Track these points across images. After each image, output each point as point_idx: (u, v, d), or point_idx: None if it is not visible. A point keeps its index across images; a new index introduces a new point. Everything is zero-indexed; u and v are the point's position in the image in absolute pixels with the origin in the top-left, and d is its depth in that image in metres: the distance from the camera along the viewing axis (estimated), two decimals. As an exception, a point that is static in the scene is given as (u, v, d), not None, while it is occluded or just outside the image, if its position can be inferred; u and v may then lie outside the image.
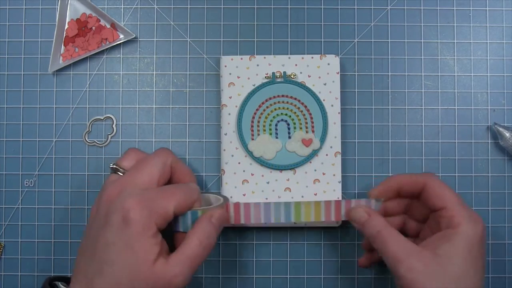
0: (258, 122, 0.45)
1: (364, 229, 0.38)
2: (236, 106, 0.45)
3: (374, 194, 0.41)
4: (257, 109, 0.45)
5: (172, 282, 0.34)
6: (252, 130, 0.45)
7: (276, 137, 0.45)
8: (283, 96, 0.45)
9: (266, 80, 0.45)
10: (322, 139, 0.44)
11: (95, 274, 0.33)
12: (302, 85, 0.45)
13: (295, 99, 0.45)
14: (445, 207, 0.38)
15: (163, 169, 0.38)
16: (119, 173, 0.38)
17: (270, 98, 0.45)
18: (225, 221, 0.39)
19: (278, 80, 0.45)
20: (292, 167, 0.44)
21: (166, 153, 0.39)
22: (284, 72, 0.45)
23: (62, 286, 0.38)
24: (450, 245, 0.35)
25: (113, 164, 0.39)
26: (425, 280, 0.34)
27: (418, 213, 0.42)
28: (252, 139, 0.44)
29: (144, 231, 0.33)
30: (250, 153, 0.44)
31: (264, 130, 0.45)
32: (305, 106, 0.45)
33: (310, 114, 0.45)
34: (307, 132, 0.45)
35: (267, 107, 0.45)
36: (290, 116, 0.45)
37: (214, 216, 0.37)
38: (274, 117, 0.45)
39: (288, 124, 0.45)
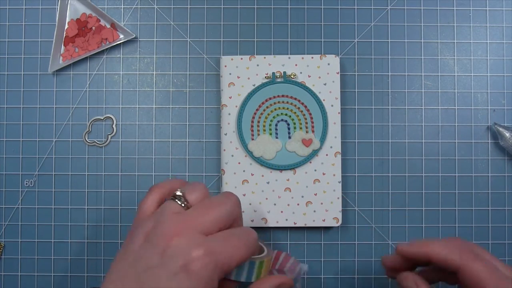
0: (258, 122, 0.45)
1: None
2: (236, 106, 0.45)
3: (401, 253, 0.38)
4: (257, 109, 0.45)
5: None
6: (252, 130, 0.45)
7: (276, 137, 0.45)
8: (283, 96, 0.45)
9: (266, 80, 0.45)
10: (322, 139, 0.44)
11: None
12: (302, 85, 0.45)
13: (295, 99, 0.45)
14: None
15: (228, 219, 0.34)
16: (179, 202, 0.34)
17: (270, 98, 0.45)
18: None
19: (278, 80, 0.45)
20: (292, 167, 0.44)
21: (236, 203, 0.35)
22: (284, 72, 0.45)
23: None
24: None
25: (180, 192, 0.35)
26: None
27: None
28: (252, 139, 0.44)
29: (204, 285, 0.31)
30: (250, 153, 0.44)
31: (264, 130, 0.45)
32: (305, 106, 0.45)
33: (310, 114, 0.45)
34: (307, 132, 0.45)
35: (267, 107, 0.45)
36: (290, 116, 0.45)
37: (282, 286, 0.35)
38: (274, 117, 0.45)
39: (288, 124, 0.45)
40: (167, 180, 0.37)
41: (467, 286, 0.35)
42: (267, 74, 0.45)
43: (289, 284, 0.35)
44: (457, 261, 0.36)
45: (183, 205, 0.34)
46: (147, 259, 0.31)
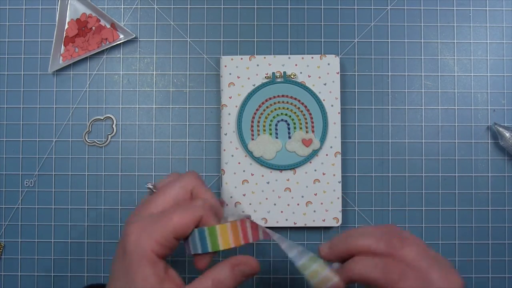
0: (258, 122, 0.45)
1: None
2: (236, 106, 0.45)
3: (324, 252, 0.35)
4: (257, 109, 0.45)
5: None
6: (252, 130, 0.45)
7: (276, 137, 0.45)
8: (283, 96, 0.45)
9: (266, 80, 0.45)
10: (322, 139, 0.44)
11: None
12: (302, 85, 0.45)
13: (295, 99, 0.45)
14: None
15: (182, 195, 0.35)
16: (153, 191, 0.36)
17: (270, 98, 0.45)
18: (253, 274, 0.34)
19: (278, 80, 0.45)
20: (292, 167, 0.44)
21: (190, 178, 0.35)
22: (284, 72, 0.45)
23: None
24: None
25: (151, 184, 0.36)
26: None
27: None
28: (252, 139, 0.44)
29: (140, 260, 0.32)
30: (250, 153, 0.44)
31: (264, 130, 0.45)
32: (305, 106, 0.45)
33: (310, 114, 0.45)
34: (307, 132, 0.45)
35: (267, 107, 0.45)
36: (290, 116, 0.45)
37: (239, 265, 0.33)
38: (274, 117, 0.45)
39: (288, 124, 0.45)
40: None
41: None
42: (267, 74, 0.45)
43: (251, 264, 0.34)
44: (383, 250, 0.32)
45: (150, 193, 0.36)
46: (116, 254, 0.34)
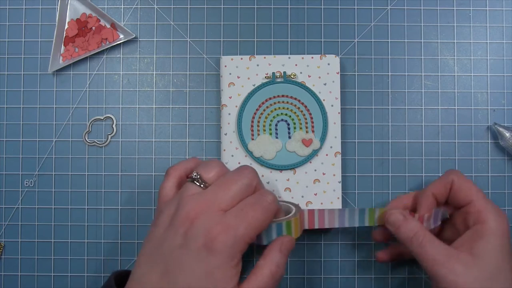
0: (258, 122, 0.45)
1: (399, 232, 0.38)
2: (236, 106, 0.45)
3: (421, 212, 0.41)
4: (257, 109, 0.45)
5: None
6: (252, 130, 0.45)
7: (276, 137, 0.45)
8: (283, 96, 0.45)
9: (266, 80, 0.45)
10: (322, 139, 0.44)
11: None
12: (302, 85, 0.45)
13: (295, 99, 0.45)
14: (471, 202, 0.38)
15: (247, 192, 0.35)
16: (197, 183, 0.35)
17: (270, 98, 0.45)
18: (292, 247, 0.37)
19: (278, 80, 0.45)
20: (292, 167, 0.44)
21: (253, 175, 0.36)
22: (284, 72, 0.45)
23: None
24: (484, 243, 0.36)
25: (196, 174, 0.36)
26: (466, 282, 0.35)
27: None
28: (252, 139, 0.44)
29: (228, 261, 0.32)
30: (250, 153, 0.44)
31: (264, 130, 0.45)
32: (305, 106, 0.45)
33: (310, 114, 0.45)
34: (307, 132, 0.45)
35: (267, 107, 0.45)
36: (290, 116, 0.45)
37: (283, 245, 0.36)
38: (274, 117, 0.45)
39: (288, 124, 0.45)
40: (183, 161, 0.39)
41: (458, 198, 0.39)
42: (267, 74, 0.45)
43: (290, 239, 0.36)
44: (449, 176, 0.40)
45: (201, 186, 0.35)
46: (171, 241, 0.33)
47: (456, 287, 0.35)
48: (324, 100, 0.45)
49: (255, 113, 0.45)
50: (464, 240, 0.37)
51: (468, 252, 0.36)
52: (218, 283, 0.32)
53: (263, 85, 0.45)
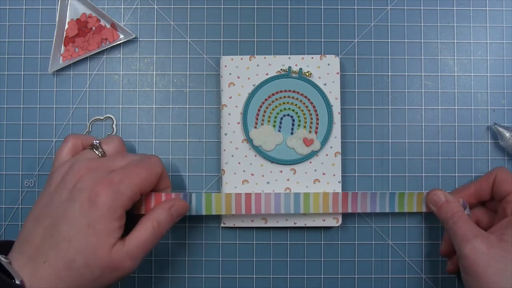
0: (264, 112, 0.45)
1: (440, 212, 0.41)
2: (236, 106, 0.45)
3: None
4: (266, 99, 0.45)
5: (125, 266, 0.35)
6: (257, 119, 0.45)
7: (279, 131, 0.45)
8: (294, 91, 0.45)
9: (278, 74, 0.45)
10: (323, 142, 0.44)
11: (49, 247, 0.33)
12: (315, 85, 0.44)
13: (305, 97, 0.45)
14: (510, 193, 0.40)
15: (135, 157, 0.38)
16: (96, 152, 0.38)
17: (281, 91, 0.45)
18: (184, 213, 0.39)
19: (293, 75, 0.45)
20: (289, 162, 0.44)
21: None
22: (300, 69, 0.45)
23: (2, 258, 0.33)
24: None
25: (97, 143, 0.39)
26: (487, 262, 0.36)
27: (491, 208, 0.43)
28: (255, 127, 0.44)
29: (109, 213, 0.34)
30: (250, 141, 0.44)
31: (269, 121, 0.45)
32: (314, 106, 0.45)
33: (317, 115, 0.45)
34: (310, 132, 0.45)
35: (276, 99, 0.45)
36: (296, 113, 0.45)
37: (174, 206, 0.38)
38: (281, 110, 0.45)
39: (293, 120, 0.45)
40: (84, 134, 0.41)
41: (499, 189, 0.41)
42: (283, 66, 0.45)
43: (182, 204, 0.39)
44: (494, 171, 0.42)
45: (99, 154, 0.38)
46: (59, 196, 0.35)
47: (476, 265, 0.36)
48: (324, 100, 0.45)
49: (263, 102, 0.45)
50: (498, 227, 0.39)
51: (497, 236, 0.37)
52: (99, 236, 0.33)
53: (276, 77, 0.45)
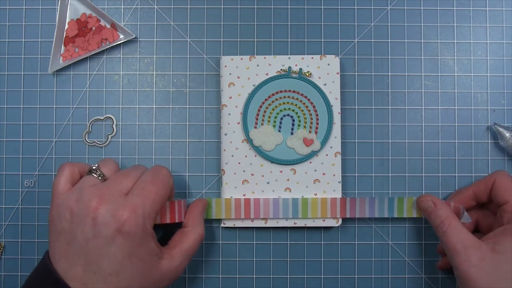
0: (265, 112, 0.45)
1: (430, 218, 0.40)
2: (236, 106, 0.45)
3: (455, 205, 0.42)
4: (266, 99, 0.45)
5: (178, 274, 0.37)
6: (257, 119, 0.45)
7: (279, 131, 0.45)
8: (294, 91, 0.45)
9: (279, 74, 0.45)
10: (323, 142, 0.44)
11: (97, 282, 0.33)
12: (315, 85, 0.45)
13: (305, 97, 0.45)
14: (508, 202, 0.39)
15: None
16: (95, 175, 0.37)
17: (281, 91, 0.45)
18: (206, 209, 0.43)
19: (293, 76, 0.45)
20: (289, 163, 0.44)
21: (142, 169, 0.39)
22: (300, 69, 0.45)
23: None
24: (509, 241, 0.36)
25: (96, 168, 0.38)
26: (478, 274, 0.35)
27: (492, 212, 0.43)
28: (255, 127, 0.44)
29: (143, 238, 0.34)
30: (250, 141, 0.44)
31: (269, 121, 0.45)
32: (314, 106, 0.45)
33: (317, 115, 0.45)
34: (310, 132, 0.45)
35: (276, 99, 0.45)
36: (296, 113, 0.45)
37: (203, 207, 0.41)
38: (281, 110, 0.45)
39: (293, 120, 0.45)
40: (77, 162, 0.40)
41: (497, 196, 0.40)
42: (283, 66, 0.45)
43: (206, 204, 0.43)
44: (493, 174, 0.41)
45: (100, 178, 0.37)
46: (81, 234, 0.33)
47: (467, 277, 0.35)
48: (324, 100, 0.45)
49: (263, 103, 0.45)
50: (493, 234, 0.38)
51: (491, 246, 0.36)
52: (144, 261, 0.34)
53: (276, 77, 0.45)
